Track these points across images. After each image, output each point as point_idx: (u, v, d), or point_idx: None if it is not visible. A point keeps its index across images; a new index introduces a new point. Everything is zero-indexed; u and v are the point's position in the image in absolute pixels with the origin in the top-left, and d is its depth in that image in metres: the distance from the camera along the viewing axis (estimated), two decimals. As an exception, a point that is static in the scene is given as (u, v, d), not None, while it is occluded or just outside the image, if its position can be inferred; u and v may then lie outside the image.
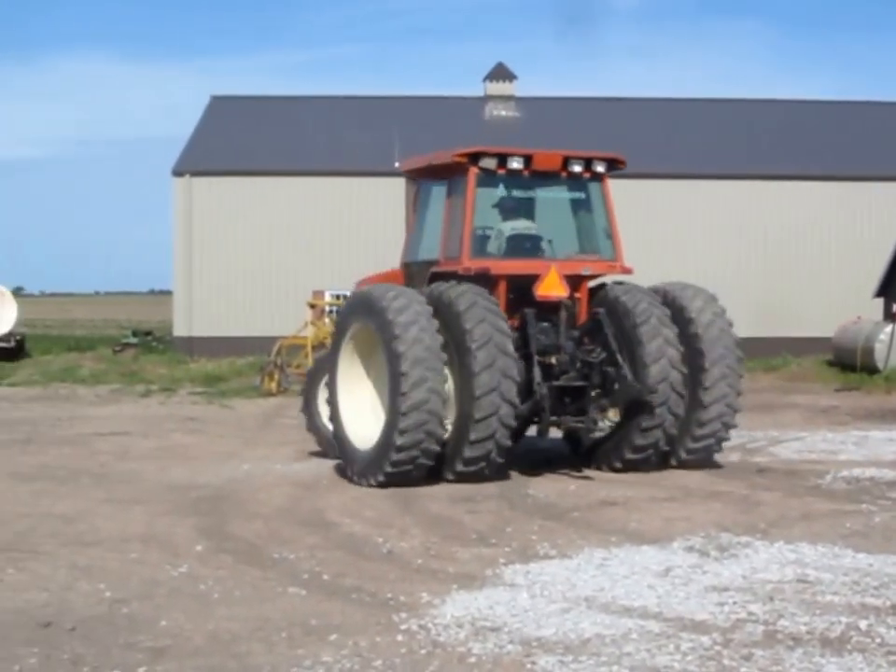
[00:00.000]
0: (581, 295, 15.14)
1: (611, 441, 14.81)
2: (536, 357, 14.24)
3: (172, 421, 21.86)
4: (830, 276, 39.37)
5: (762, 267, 39.52)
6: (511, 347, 13.73)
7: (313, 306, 28.10)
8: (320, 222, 39.05)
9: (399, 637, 7.66)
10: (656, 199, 38.67)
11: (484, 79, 46.53)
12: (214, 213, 39.00)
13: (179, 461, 16.15)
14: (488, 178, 14.83)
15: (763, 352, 34.95)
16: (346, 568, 9.58)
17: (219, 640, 7.66)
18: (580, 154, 15.23)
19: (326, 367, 15.44)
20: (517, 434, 14.56)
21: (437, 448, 13.59)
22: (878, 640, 7.53)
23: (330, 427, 15.18)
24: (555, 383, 14.34)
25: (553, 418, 14.28)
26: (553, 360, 14.49)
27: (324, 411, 15.67)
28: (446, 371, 13.64)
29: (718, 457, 15.50)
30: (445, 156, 15.00)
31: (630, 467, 14.67)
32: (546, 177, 15.21)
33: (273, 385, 27.46)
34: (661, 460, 14.93)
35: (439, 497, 13.07)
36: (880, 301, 35.91)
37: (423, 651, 7.38)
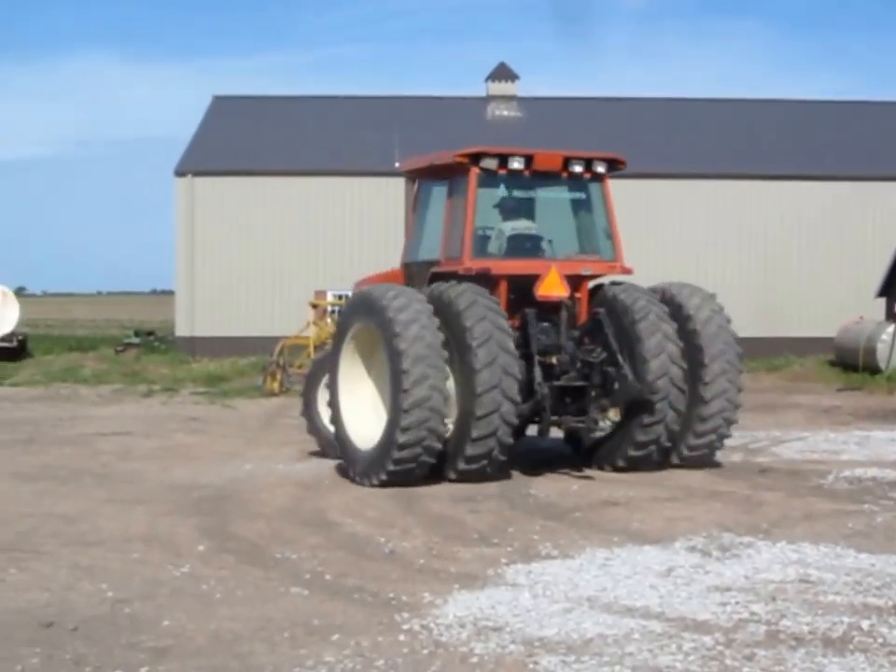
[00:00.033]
0: (582, 295, 15.15)
1: (612, 440, 14.82)
2: (536, 357, 14.25)
3: (174, 421, 21.85)
4: (831, 276, 39.34)
5: (762, 267, 39.51)
6: (511, 345, 13.73)
7: (315, 306, 28.07)
8: (322, 222, 39.05)
9: (402, 637, 7.66)
10: (656, 199, 38.67)
11: (486, 79, 46.57)
12: (216, 213, 39.00)
13: (181, 461, 16.15)
14: (489, 178, 14.84)
15: (764, 352, 34.99)
16: (348, 568, 9.58)
17: (222, 640, 7.66)
18: (580, 154, 15.26)
19: (324, 369, 15.46)
20: (517, 433, 14.57)
21: (439, 446, 13.59)
22: (880, 640, 7.53)
23: (331, 428, 15.18)
24: (556, 383, 14.35)
25: (554, 418, 14.29)
26: (554, 360, 14.50)
27: (324, 413, 15.68)
28: (447, 369, 13.65)
29: (720, 457, 15.50)
30: (446, 156, 15.02)
31: (632, 464, 14.67)
32: (547, 178, 15.22)
33: (276, 385, 27.48)
34: (662, 457, 14.92)
35: (440, 496, 13.07)
36: (882, 301, 35.91)
37: (425, 651, 7.38)
